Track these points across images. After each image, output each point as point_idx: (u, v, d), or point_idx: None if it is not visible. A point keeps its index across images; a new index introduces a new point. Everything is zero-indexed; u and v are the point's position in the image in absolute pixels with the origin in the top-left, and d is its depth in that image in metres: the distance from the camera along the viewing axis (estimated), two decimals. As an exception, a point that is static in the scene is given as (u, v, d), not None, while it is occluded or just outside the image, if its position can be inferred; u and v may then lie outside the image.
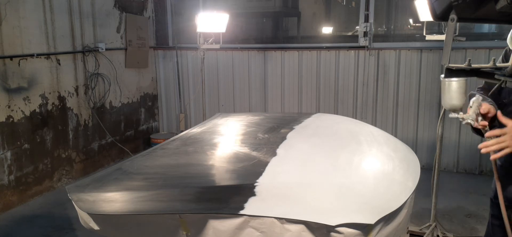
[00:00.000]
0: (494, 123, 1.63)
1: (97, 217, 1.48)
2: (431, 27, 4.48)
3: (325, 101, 5.25)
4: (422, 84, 4.79)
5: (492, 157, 1.50)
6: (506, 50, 1.73)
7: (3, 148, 3.89)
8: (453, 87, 1.49)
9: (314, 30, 6.30)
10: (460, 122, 1.66)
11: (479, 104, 1.55)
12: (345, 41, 5.53)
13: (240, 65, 5.61)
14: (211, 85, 5.75)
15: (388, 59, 4.91)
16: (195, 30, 4.15)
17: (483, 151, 1.50)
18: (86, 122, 4.87)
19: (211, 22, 4.11)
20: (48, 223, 3.73)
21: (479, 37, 5.10)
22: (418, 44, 4.82)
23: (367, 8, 4.87)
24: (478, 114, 1.56)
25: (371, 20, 4.87)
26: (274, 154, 1.91)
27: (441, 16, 0.94)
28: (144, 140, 5.86)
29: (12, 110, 3.94)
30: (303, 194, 1.52)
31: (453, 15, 0.88)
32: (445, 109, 3.15)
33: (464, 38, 3.31)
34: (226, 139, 2.33)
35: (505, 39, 1.64)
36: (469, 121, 1.53)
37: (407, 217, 1.64)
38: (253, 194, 1.48)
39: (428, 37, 3.63)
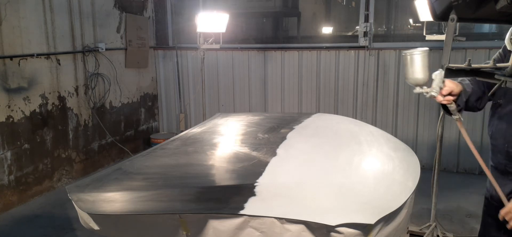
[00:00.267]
0: (458, 101, 1.68)
1: (97, 217, 1.48)
2: (431, 27, 4.48)
3: (325, 101, 5.25)
4: (422, 84, 4.78)
5: (509, 226, 1.55)
6: (501, 52, 1.69)
7: (3, 148, 3.89)
8: (416, 61, 1.50)
9: (314, 30, 6.30)
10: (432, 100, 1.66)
11: (442, 79, 1.53)
12: (345, 41, 5.53)
13: (240, 65, 5.60)
14: (211, 85, 5.75)
15: (388, 59, 4.91)
16: (195, 30, 4.15)
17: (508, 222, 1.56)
18: (86, 122, 4.87)
19: (211, 22, 4.10)
20: (48, 223, 3.73)
21: (479, 37, 5.10)
22: (418, 44, 4.78)
23: (367, 8, 4.87)
24: (442, 88, 1.55)
25: (371, 20, 4.87)
26: (274, 154, 1.91)
27: (441, 16, 0.94)
28: (144, 140, 5.86)
29: (12, 110, 3.94)
30: (303, 194, 1.52)
31: (453, 15, 0.88)
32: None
33: (464, 38, 3.31)
34: (226, 139, 2.33)
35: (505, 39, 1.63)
36: (433, 93, 1.52)
37: (407, 217, 1.64)
38: (253, 194, 1.48)
39: (428, 37, 3.63)
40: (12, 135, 3.96)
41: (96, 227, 1.50)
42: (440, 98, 1.59)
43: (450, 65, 0.99)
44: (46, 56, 4.27)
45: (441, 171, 3.26)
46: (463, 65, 1.16)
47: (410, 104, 4.89)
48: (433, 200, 3.24)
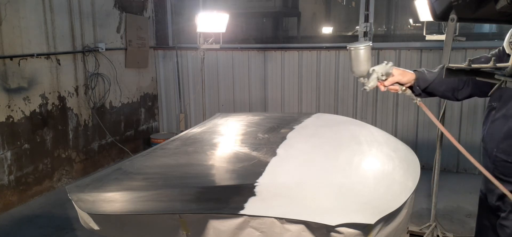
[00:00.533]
0: (413, 87, 1.78)
1: (97, 217, 1.48)
2: (431, 27, 4.48)
3: (325, 101, 5.25)
4: (422, 84, 4.79)
5: None
6: (498, 52, 1.67)
7: (3, 148, 3.89)
8: (361, 54, 1.66)
9: (314, 30, 6.30)
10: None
11: (382, 73, 1.68)
12: (345, 41, 5.53)
13: (240, 65, 5.60)
14: (211, 85, 5.75)
15: (388, 59, 4.89)
16: (195, 30, 4.15)
17: None
18: (86, 122, 4.87)
19: (211, 22, 4.10)
20: (48, 223, 3.73)
21: (479, 37, 5.10)
22: (418, 44, 4.82)
23: (367, 8, 4.87)
24: (383, 79, 1.69)
25: (371, 20, 4.87)
26: (274, 154, 1.91)
27: (441, 16, 0.94)
28: (144, 140, 5.86)
29: (12, 110, 3.94)
30: (303, 194, 1.52)
31: (453, 15, 0.88)
32: (445, 108, 3.15)
33: (464, 38, 3.31)
34: (226, 139, 2.33)
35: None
36: (365, 88, 1.69)
37: (407, 217, 1.64)
38: (253, 194, 1.48)
39: (428, 37, 3.63)
40: (12, 135, 3.97)
41: (96, 227, 1.50)
42: (382, 88, 1.74)
43: (450, 65, 0.99)
44: (46, 56, 4.27)
45: (441, 171, 3.26)
46: (463, 65, 1.16)
47: (410, 104, 4.89)
48: (433, 200, 3.24)
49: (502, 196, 1.63)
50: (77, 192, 1.61)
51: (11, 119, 3.95)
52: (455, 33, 3.19)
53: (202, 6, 5.65)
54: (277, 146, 2.00)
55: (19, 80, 4.00)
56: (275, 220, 1.33)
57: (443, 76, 1.06)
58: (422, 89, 1.80)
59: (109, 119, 5.21)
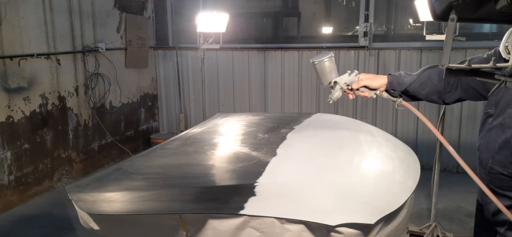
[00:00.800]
0: (390, 91, 1.79)
1: (97, 217, 1.48)
2: (431, 27, 4.48)
3: (325, 102, 5.25)
4: (422, 84, 4.79)
5: None
6: (493, 53, 1.61)
7: (3, 148, 3.89)
8: (326, 66, 1.69)
9: (314, 30, 6.30)
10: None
11: (350, 82, 1.72)
12: (345, 41, 5.53)
13: (240, 65, 5.60)
14: (211, 85, 5.75)
15: (388, 59, 4.91)
16: (195, 30, 4.15)
17: None
18: (86, 122, 4.87)
19: (211, 22, 4.10)
20: (48, 223, 3.73)
21: (479, 37, 5.10)
22: (418, 44, 4.82)
23: (367, 8, 4.87)
24: (348, 88, 1.74)
25: (371, 20, 4.87)
26: (274, 154, 1.91)
27: (441, 16, 0.94)
28: (144, 140, 5.86)
29: (12, 110, 3.94)
30: (303, 194, 1.51)
31: (453, 15, 0.88)
32: (445, 109, 3.15)
33: (464, 38, 3.31)
34: (226, 139, 2.33)
35: None
36: (329, 100, 1.74)
37: (407, 217, 1.64)
38: (253, 194, 1.48)
39: (428, 37, 3.63)
40: (12, 135, 3.97)
41: (96, 227, 1.50)
42: (351, 97, 1.77)
43: (450, 65, 0.99)
44: (46, 56, 4.27)
45: (441, 171, 3.26)
46: (463, 65, 1.15)
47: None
48: (433, 200, 3.24)
49: (499, 210, 1.46)
50: (77, 192, 1.61)
51: (11, 119, 3.95)
52: (455, 33, 3.19)
53: (202, 6, 5.65)
54: (277, 146, 2.00)
55: (19, 80, 4.00)
56: (275, 220, 1.33)
57: (443, 76, 1.06)
58: (400, 92, 1.78)
59: (109, 119, 5.21)
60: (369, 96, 1.77)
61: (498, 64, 0.96)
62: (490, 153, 1.55)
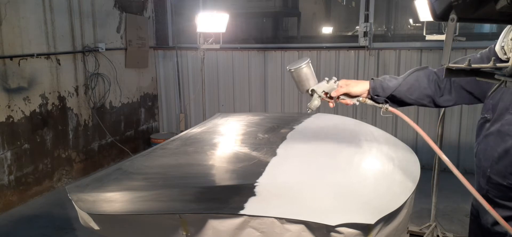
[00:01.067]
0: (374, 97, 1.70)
1: (97, 217, 1.48)
2: (431, 27, 4.48)
3: (325, 102, 5.25)
4: (422, 84, 4.79)
5: None
6: (488, 52, 1.51)
7: (3, 148, 3.89)
8: (303, 73, 1.62)
9: (314, 30, 6.30)
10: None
11: (329, 89, 1.65)
12: (345, 41, 5.53)
13: (240, 65, 5.60)
14: (211, 85, 5.75)
15: (388, 59, 4.91)
16: (195, 30, 4.15)
17: None
18: (86, 122, 4.87)
19: (211, 22, 4.11)
20: (48, 223, 3.73)
21: (479, 37, 5.10)
22: (418, 44, 4.82)
23: (367, 8, 4.87)
24: (327, 96, 1.66)
25: (371, 20, 4.87)
26: (274, 154, 1.91)
27: (441, 16, 0.94)
28: (144, 140, 5.86)
29: (12, 110, 3.94)
30: (303, 194, 1.51)
31: (453, 15, 0.88)
32: (445, 110, 3.15)
33: (464, 38, 3.31)
34: (226, 139, 2.33)
35: None
36: (307, 110, 1.67)
37: (407, 217, 1.64)
38: (253, 194, 1.48)
39: (428, 37, 3.63)
40: (12, 135, 3.97)
41: (96, 227, 1.50)
42: (331, 105, 1.69)
43: (450, 65, 0.99)
44: (46, 56, 4.27)
45: (441, 171, 3.26)
46: (463, 65, 1.15)
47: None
48: (433, 200, 3.24)
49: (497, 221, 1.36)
50: (77, 192, 1.61)
51: (11, 119, 3.95)
52: (455, 33, 3.19)
53: (202, 6, 5.65)
54: (277, 146, 2.00)
55: (19, 80, 4.00)
56: (275, 220, 1.33)
57: (443, 76, 1.05)
58: (385, 97, 1.67)
59: (109, 119, 5.21)
60: (351, 103, 1.69)
61: (498, 65, 0.96)
62: (489, 162, 1.45)
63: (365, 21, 4.88)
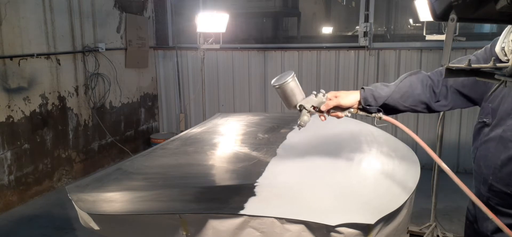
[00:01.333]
0: (366, 107, 1.60)
1: (97, 217, 1.48)
2: (431, 27, 4.48)
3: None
4: (422, 84, 4.79)
5: None
6: (484, 53, 1.47)
7: (3, 148, 3.89)
8: (290, 88, 1.54)
9: (314, 30, 6.31)
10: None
11: (318, 103, 1.56)
12: (345, 41, 5.53)
13: (240, 65, 5.61)
14: (211, 85, 5.75)
15: (388, 59, 4.91)
16: (195, 30, 4.15)
17: None
18: (86, 122, 4.87)
19: (211, 22, 4.11)
20: (48, 223, 3.73)
21: (479, 37, 5.10)
22: (418, 44, 4.82)
23: (367, 8, 4.87)
24: (315, 111, 1.57)
25: (371, 20, 4.87)
26: (274, 154, 1.91)
27: (441, 16, 0.94)
28: (144, 140, 5.86)
29: (12, 110, 3.94)
30: (303, 194, 1.52)
31: (453, 15, 0.87)
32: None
33: (464, 38, 3.31)
34: (226, 139, 2.33)
35: None
36: (297, 127, 1.56)
37: (407, 217, 1.64)
38: (253, 194, 1.48)
39: (428, 37, 3.63)
40: (12, 135, 3.97)
41: (96, 227, 1.50)
42: (323, 119, 1.60)
43: (450, 65, 0.99)
44: (46, 56, 4.27)
45: (441, 171, 3.26)
46: (463, 65, 1.15)
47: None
48: (433, 200, 3.24)
49: (499, 228, 1.27)
50: (77, 192, 1.61)
51: (11, 119, 3.95)
52: (455, 33, 3.19)
53: (202, 6, 5.65)
54: (277, 146, 2.00)
55: (19, 80, 4.00)
56: (275, 220, 1.33)
57: (443, 76, 1.05)
58: (378, 106, 1.58)
59: (109, 119, 5.21)
60: (343, 116, 1.59)
61: (498, 65, 0.96)
62: (490, 169, 1.38)
63: (365, 21, 4.88)
